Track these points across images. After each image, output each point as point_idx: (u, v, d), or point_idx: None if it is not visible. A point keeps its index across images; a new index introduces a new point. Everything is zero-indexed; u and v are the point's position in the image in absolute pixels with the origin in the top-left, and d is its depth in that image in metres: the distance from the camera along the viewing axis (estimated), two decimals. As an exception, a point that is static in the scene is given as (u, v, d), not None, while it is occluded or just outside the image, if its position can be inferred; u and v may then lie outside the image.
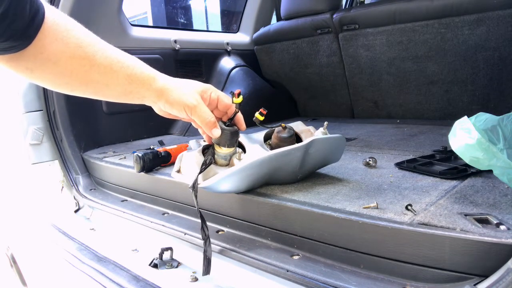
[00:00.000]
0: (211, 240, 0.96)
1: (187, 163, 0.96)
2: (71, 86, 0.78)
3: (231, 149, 0.90)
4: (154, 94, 0.80)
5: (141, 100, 0.82)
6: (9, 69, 0.73)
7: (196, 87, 0.83)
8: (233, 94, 0.85)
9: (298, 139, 1.02)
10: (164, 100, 0.80)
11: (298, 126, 1.04)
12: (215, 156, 0.91)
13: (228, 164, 0.92)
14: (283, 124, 0.98)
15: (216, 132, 0.84)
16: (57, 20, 0.73)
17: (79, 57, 0.73)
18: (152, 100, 0.82)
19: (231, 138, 0.87)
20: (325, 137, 0.98)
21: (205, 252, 0.84)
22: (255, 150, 0.93)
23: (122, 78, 0.77)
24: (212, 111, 0.86)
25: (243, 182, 0.92)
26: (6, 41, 0.64)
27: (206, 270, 0.84)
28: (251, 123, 0.92)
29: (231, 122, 0.87)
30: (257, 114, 0.90)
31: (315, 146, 0.96)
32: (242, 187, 0.94)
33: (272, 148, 0.98)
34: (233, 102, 0.85)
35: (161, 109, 0.83)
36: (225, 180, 0.87)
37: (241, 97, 0.85)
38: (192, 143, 1.05)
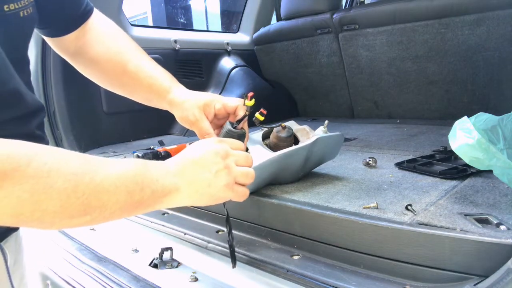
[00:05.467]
0: (211, 240, 0.96)
1: None
2: (113, 85, 0.90)
3: None
4: (167, 105, 0.88)
5: (163, 108, 0.90)
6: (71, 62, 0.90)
7: (198, 101, 0.85)
8: (245, 96, 0.84)
9: (294, 138, 1.02)
10: (173, 112, 0.88)
11: (292, 125, 1.04)
12: None
13: None
14: (282, 124, 0.98)
15: None
16: (102, 24, 0.87)
17: (115, 61, 0.85)
18: (169, 110, 0.89)
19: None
20: (328, 135, 0.99)
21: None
22: (259, 151, 0.93)
23: (145, 86, 0.86)
24: (223, 118, 0.89)
25: (253, 183, 0.92)
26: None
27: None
28: (250, 123, 0.92)
29: (239, 124, 0.86)
30: (257, 114, 0.90)
31: (318, 145, 0.97)
32: (251, 188, 0.93)
33: (270, 147, 0.98)
34: (244, 105, 0.85)
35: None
36: None
37: (253, 100, 0.84)
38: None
